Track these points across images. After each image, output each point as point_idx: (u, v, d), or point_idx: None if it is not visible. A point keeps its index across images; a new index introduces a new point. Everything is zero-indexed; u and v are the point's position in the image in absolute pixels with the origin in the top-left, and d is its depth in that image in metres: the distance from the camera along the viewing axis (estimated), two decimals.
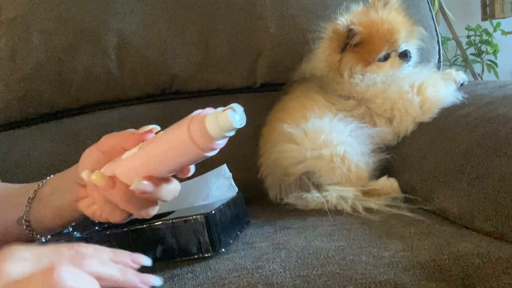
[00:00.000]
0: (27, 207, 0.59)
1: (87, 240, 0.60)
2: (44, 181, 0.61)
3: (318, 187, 0.82)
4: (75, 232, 0.62)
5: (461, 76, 0.96)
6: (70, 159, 0.58)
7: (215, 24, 1.03)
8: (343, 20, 0.88)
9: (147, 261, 0.49)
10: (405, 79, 0.90)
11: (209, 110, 0.44)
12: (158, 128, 0.51)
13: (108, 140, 0.52)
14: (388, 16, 0.90)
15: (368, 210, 0.73)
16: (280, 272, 0.51)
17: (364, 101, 0.90)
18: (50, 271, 0.36)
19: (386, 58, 0.90)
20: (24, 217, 0.59)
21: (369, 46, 0.89)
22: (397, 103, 0.89)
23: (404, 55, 0.90)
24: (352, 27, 0.87)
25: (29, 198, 0.59)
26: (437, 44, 1.09)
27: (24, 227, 0.59)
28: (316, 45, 0.95)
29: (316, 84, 0.93)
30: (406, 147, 0.87)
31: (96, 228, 0.66)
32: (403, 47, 0.91)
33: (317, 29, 0.96)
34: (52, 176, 0.61)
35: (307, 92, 0.93)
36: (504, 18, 1.96)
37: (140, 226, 0.60)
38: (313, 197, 0.78)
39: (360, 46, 0.89)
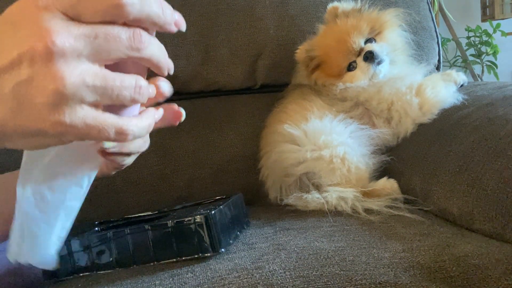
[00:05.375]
0: None
1: (86, 241, 0.60)
2: None
3: (318, 188, 0.82)
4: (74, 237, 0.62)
5: (461, 77, 0.96)
6: None
7: (215, 25, 1.03)
8: (302, 48, 0.93)
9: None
10: (400, 79, 0.90)
11: None
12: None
13: None
14: (336, 28, 0.90)
15: (368, 211, 0.73)
16: (280, 273, 0.51)
17: (360, 102, 0.91)
18: None
19: (355, 66, 0.89)
20: None
21: (330, 63, 0.91)
22: (395, 104, 0.89)
23: (367, 58, 0.87)
24: (309, 53, 0.91)
25: None
26: (437, 45, 1.10)
27: None
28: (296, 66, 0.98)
29: (311, 88, 0.94)
30: (406, 148, 0.87)
31: (96, 229, 0.66)
32: (367, 49, 0.87)
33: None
34: None
35: (305, 94, 0.93)
36: (504, 19, 1.96)
37: (139, 226, 0.60)
38: (313, 198, 0.78)
39: (324, 65, 0.92)
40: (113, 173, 0.57)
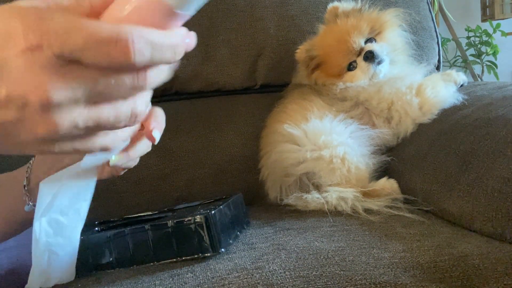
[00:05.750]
0: (26, 190, 0.61)
1: (86, 241, 0.60)
2: (29, 165, 0.62)
3: (318, 188, 0.82)
4: None
5: (461, 77, 0.96)
6: None
7: (215, 25, 1.03)
8: (302, 48, 0.93)
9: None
10: (400, 79, 0.90)
11: None
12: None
13: None
14: (336, 28, 0.90)
15: (368, 211, 0.73)
16: (280, 273, 0.51)
17: (360, 102, 0.91)
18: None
19: (355, 66, 0.89)
20: (31, 203, 0.60)
21: (330, 63, 0.91)
22: (395, 104, 0.89)
23: (367, 58, 0.87)
24: (309, 53, 0.92)
25: (24, 185, 0.61)
26: (436, 45, 1.10)
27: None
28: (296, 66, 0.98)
29: (311, 88, 0.94)
30: (406, 148, 0.87)
31: (96, 229, 0.66)
32: (367, 49, 0.88)
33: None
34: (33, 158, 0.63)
35: (305, 94, 0.94)
36: (504, 19, 1.96)
37: (139, 226, 0.60)
38: (313, 198, 0.78)
39: (324, 65, 0.92)
40: (121, 173, 0.58)
